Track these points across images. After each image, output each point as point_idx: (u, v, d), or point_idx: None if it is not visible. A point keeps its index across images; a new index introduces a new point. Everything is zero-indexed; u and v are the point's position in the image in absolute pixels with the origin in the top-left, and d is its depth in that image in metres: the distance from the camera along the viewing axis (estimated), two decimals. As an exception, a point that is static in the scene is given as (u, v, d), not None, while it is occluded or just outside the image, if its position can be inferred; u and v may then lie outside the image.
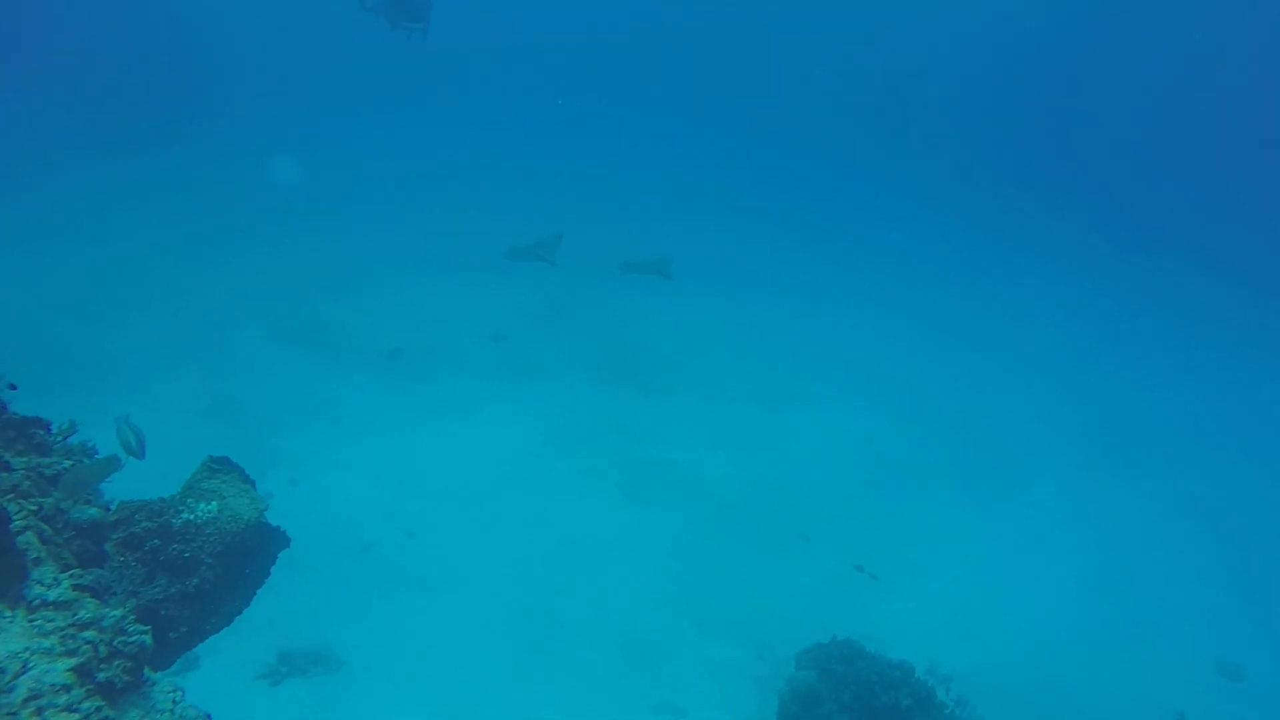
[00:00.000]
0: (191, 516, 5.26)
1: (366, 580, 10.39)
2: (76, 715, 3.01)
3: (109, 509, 5.04)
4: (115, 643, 3.44)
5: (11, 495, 3.87)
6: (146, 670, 3.67)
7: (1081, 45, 41.22)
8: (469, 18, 33.22)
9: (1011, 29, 40.86)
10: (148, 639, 3.60)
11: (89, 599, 3.66)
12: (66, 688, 3.09)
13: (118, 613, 3.54)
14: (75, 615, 3.40)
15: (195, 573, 5.02)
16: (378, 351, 14.77)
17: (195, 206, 20.12)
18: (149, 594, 4.67)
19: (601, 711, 9.04)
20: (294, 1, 37.90)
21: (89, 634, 3.41)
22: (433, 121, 31.57)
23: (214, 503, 5.35)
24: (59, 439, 4.57)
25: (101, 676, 3.28)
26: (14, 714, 2.90)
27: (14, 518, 3.66)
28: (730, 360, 16.10)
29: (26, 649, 3.14)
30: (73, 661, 3.22)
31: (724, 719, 9.22)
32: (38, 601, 3.41)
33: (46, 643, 3.26)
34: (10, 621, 3.25)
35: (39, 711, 2.94)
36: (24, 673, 3.00)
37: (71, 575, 3.73)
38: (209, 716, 3.67)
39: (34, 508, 3.90)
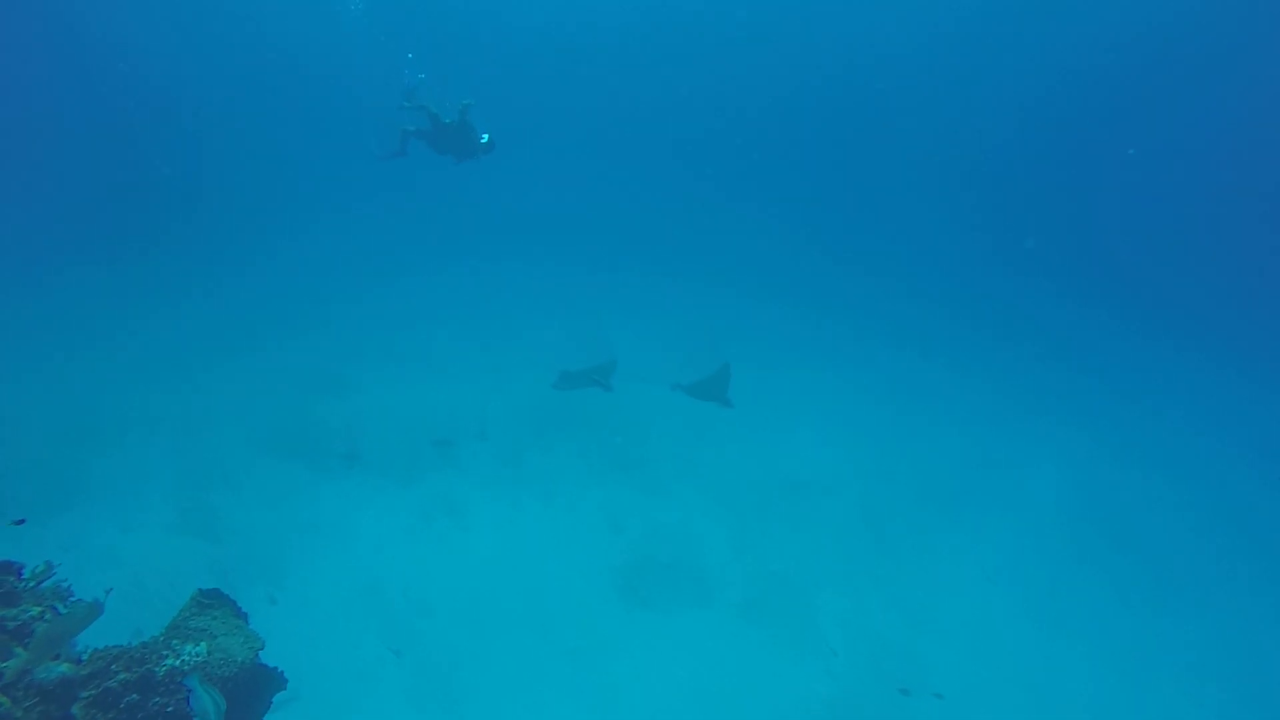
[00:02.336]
0: (177, 662, 4.70)
1: (352, 706, 9.55)
2: None
3: (80, 660, 4.49)
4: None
5: (-26, 662, 3.35)
6: None
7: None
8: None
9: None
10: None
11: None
12: None
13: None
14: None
15: (178, 730, 4.44)
16: (359, 456, 14.14)
17: (170, 311, 19.75)
18: (125, 764, 4.09)
19: None
20: (273, 89, 38.46)
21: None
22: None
23: (203, 644, 4.81)
24: (31, 584, 4.06)
25: None
26: None
27: (-24, 690, 3.14)
28: (732, 448, 15.56)
29: None
30: None
31: None
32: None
33: None
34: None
35: None
36: None
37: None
38: None
39: (-1, 674, 3.37)
